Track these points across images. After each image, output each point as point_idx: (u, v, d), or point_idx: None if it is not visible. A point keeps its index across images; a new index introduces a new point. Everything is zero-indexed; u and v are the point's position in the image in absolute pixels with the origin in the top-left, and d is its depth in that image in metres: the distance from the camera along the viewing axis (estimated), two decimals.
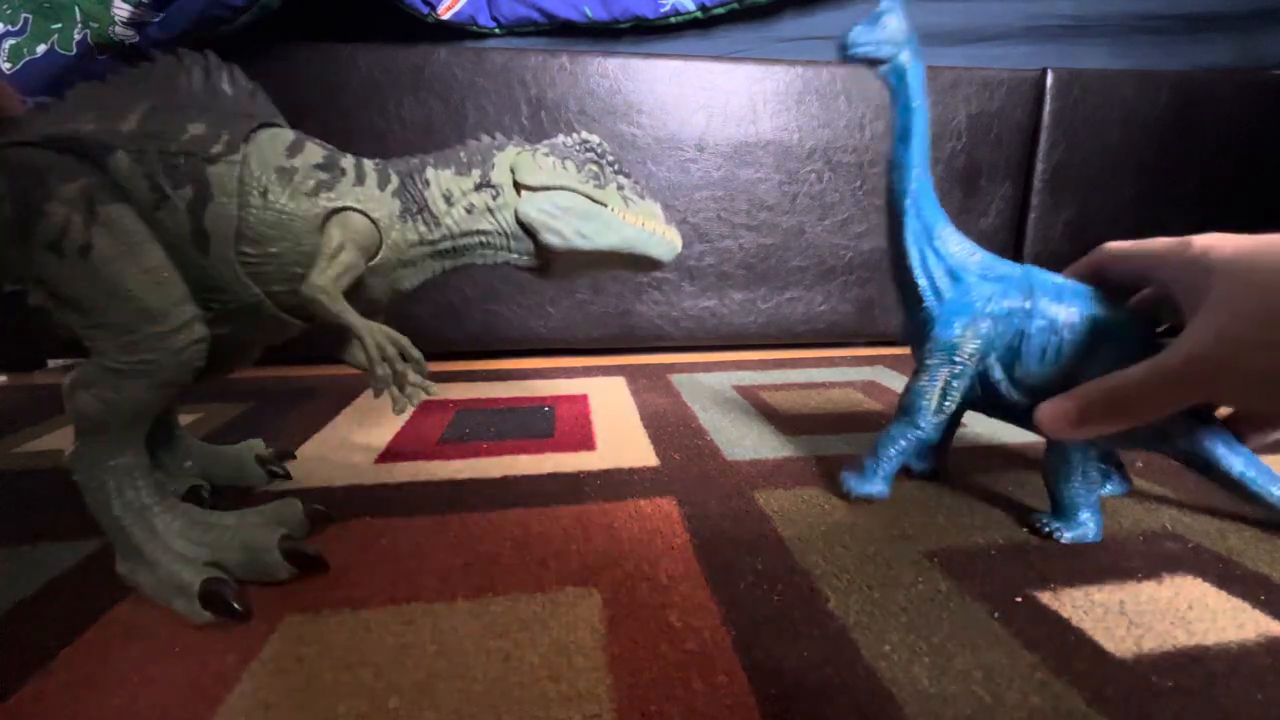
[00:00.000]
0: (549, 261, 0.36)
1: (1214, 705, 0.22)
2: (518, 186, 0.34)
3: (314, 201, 0.30)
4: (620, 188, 0.35)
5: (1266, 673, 0.23)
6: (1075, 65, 0.78)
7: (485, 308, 0.73)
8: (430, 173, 0.33)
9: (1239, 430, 0.32)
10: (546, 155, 0.34)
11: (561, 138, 0.35)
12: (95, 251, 0.26)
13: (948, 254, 0.34)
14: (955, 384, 0.34)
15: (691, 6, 0.72)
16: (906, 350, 0.82)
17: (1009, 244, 0.82)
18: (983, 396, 0.35)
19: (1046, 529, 0.33)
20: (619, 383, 0.65)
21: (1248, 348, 0.23)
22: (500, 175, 0.34)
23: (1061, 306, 0.32)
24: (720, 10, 0.72)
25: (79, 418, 0.27)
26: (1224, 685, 0.23)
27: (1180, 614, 0.27)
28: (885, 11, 0.31)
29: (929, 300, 0.34)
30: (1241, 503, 0.33)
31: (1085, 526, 0.32)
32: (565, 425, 0.51)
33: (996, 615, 0.27)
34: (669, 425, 0.51)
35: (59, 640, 0.25)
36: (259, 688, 0.23)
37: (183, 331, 0.27)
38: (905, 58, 0.32)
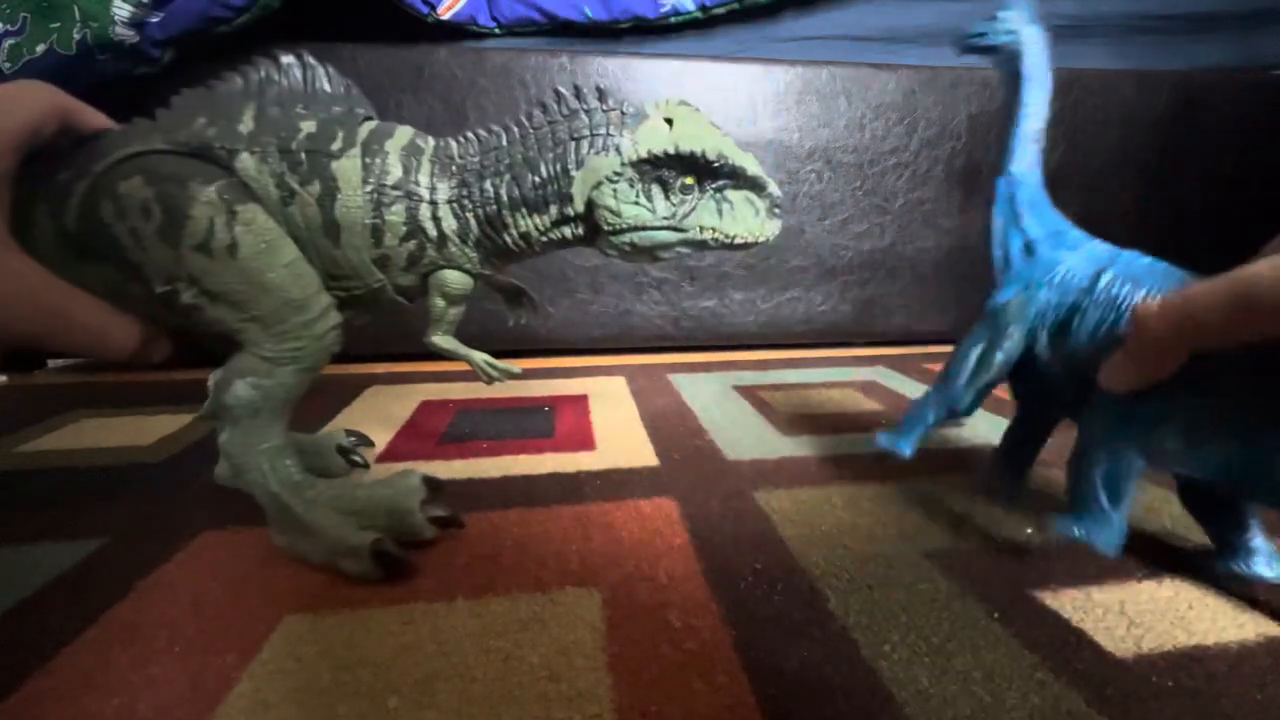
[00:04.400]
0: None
1: (1214, 705, 0.22)
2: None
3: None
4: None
5: (1266, 673, 0.23)
6: (1075, 65, 0.78)
7: (485, 308, 0.73)
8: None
9: None
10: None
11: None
12: (241, 249, 0.28)
13: (1028, 228, 0.33)
14: (995, 355, 0.31)
15: (691, 6, 0.72)
16: (906, 350, 0.82)
17: None
18: (1024, 373, 0.32)
19: (1060, 531, 0.28)
20: (619, 383, 0.65)
21: None
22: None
23: (1133, 289, 0.27)
24: (720, 10, 0.72)
25: (235, 405, 0.29)
26: (1224, 685, 0.23)
27: (1180, 614, 0.27)
28: (1008, 8, 0.34)
29: (998, 271, 0.34)
30: None
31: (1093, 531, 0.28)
32: (565, 425, 0.51)
33: (996, 615, 0.27)
34: (669, 425, 0.51)
35: (59, 640, 0.25)
36: (259, 688, 0.23)
37: (323, 319, 0.30)
38: (1022, 37, 0.34)
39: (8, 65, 0.56)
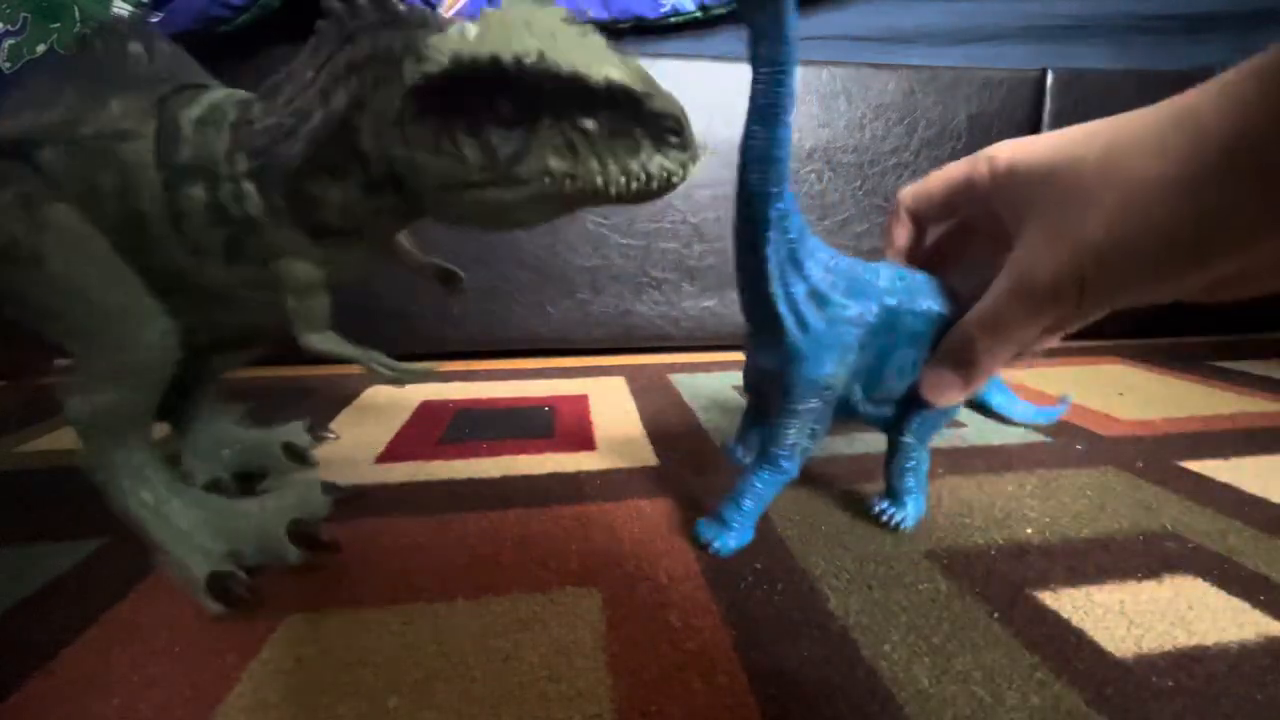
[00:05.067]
0: None
1: (1214, 705, 0.22)
2: None
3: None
4: None
5: (1266, 673, 0.23)
6: (1075, 65, 0.78)
7: (484, 308, 0.73)
8: None
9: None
10: None
11: None
12: (46, 258, 0.25)
13: (813, 274, 0.29)
14: (824, 418, 0.31)
15: (691, 6, 0.72)
16: None
17: None
18: (839, 416, 0.33)
19: (884, 515, 0.34)
20: (619, 383, 0.65)
21: (1112, 248, 0.22)
22: None
23: (913, 315, 0.30)
24: (720, 10, 0.72)
25: (76, 421, 0.27)
26: (1224, 685, 0.23)
27: (1180, 614, 0.27)
28: None
29: (793, 333, 0.29)
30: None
31: (914, 510, 0.34)
32: (565, 425, 0.51)
33: (996, 615, 0.27)
34: (669, 425, 0.51)
35: (59, 640, 0.25)
36: (259, 688, 0.23)
37: (148, 326, 0.26)
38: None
39: (7, 65, 0.56)
